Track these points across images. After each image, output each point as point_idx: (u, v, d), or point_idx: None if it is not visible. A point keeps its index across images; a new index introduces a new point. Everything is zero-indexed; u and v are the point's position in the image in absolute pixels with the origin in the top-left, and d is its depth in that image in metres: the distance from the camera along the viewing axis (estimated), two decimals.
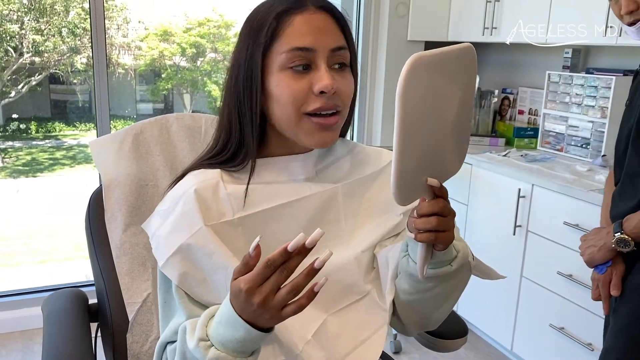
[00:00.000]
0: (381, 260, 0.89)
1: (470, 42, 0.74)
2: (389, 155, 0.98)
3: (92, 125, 5.88)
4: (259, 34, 0.81)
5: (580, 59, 2.49)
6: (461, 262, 0.81)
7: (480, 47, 3.02)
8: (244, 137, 0.86)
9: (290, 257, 0.65)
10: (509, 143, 2.69)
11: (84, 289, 1.32)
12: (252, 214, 0.84)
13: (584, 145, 2.38)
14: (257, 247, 0.66)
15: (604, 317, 1.89)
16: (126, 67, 5.97)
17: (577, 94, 2.37)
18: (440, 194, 0.74)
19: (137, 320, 1.13)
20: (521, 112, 2.86)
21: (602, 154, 2.27)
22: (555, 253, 2.08)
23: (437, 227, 0.73)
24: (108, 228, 1.19)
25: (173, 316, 0.84)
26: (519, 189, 2.21)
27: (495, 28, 2.57)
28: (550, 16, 2.32)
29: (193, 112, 6.62)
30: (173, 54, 6.13)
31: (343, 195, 0.89)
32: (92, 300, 1.25)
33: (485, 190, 2.42)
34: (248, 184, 0.85)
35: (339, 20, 0.83)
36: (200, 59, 6.24)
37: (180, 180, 0.89)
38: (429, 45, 2.96)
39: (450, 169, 0.77)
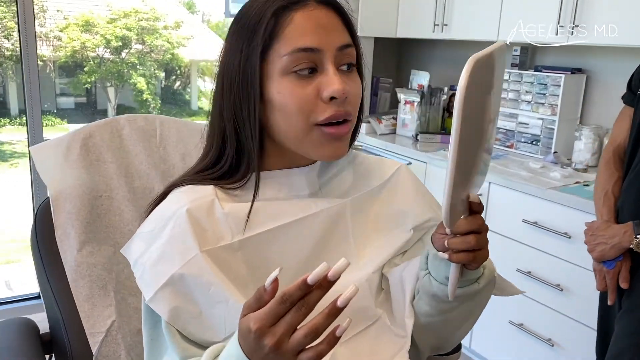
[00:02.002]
0: (394, 280, 0.81)
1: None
2: (393, 164, 0.91)
3: (7, 120, 5.49)
4: (254, 34, 0.71)
5: (529, 56, 2.53)
6: (488, 280, 0.76)
7: (429, 44, 3.02)
8: (242, 150, 0.76)
9: (310, 292, 0.55)
10: None
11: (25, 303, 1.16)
12: (253, 235, 0.73)
13: (534, 142, 2.42)
14: (275, 280, 0.55)
15: (564, 314, 1.92)
16: (44, 58, 5.59)
17: (526, 92, 2.41)
18: (478, 209, 0.68)
19: (102, 352, 1.00)
20: None
21: (553, 150, 2.31)
22: (515, 251, 2.10)
23: (475, 246, 0.67)
24: (60, 248, 1.04)
25: (162, 356, 0.73)
26: None
27: (446, 25, 2.56)
28: (502, 14, 2.33)
29: (118, 106, 6.33)
30: (96, 45, 5.81)
31: (351, 210, 0.81)
32: (43, 325, 1.10)
33: (441, 189, 2.40)
34: (253, 201, 0.75)
35: (343, 16, 0.75)
36: (125, 50, 5.96)
37: (163, 197, 0.78)
38: (379, 41, 2.92)
39: (481, 179, 0.72)
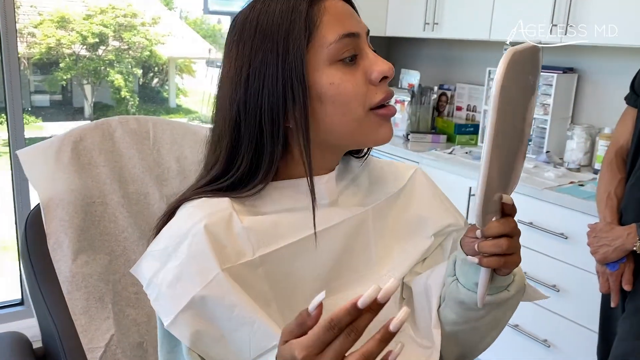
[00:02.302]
0: (418, 289, 0.78)
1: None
2: (407, 168, 0.88)
3: None
4: (290, 29, 0.67)
5: None
6: (518, 287, 0.73)
7: (419, 42, 3.00)
8: (261, 157, 0.71)
9: (360, 316, 0.51)
10: (450, 139, 2.69)
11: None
12: (275, 250, 0.69)
13: None
14: (320, 305, 0.51)
15: (560, 314, 1.91)
16: (18, 55, 5.43)
17: None
18: (510, 212, 0.65)
19: None
20: (459, 109, 2.87)
21: (546, 150, 2.30)
22: None
23: (507, 250, 0.64)
24: (53, 257, 0.98)
25: None
26: (470, 188, 2.19)
27: (437, 24, 2.54)
28: (494, 13, 2.31)
29: (95, 103, 6.20)
30: (72, 42, 5.67)
31: (372, 219, 0.77)
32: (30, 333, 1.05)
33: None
34: (314, 209, 0.70)
35: (352, 4, 0.76)
36: (102, 47, 5.83)
37: (172, 212, 0.73)
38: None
39: (514, 182, 0.69)
